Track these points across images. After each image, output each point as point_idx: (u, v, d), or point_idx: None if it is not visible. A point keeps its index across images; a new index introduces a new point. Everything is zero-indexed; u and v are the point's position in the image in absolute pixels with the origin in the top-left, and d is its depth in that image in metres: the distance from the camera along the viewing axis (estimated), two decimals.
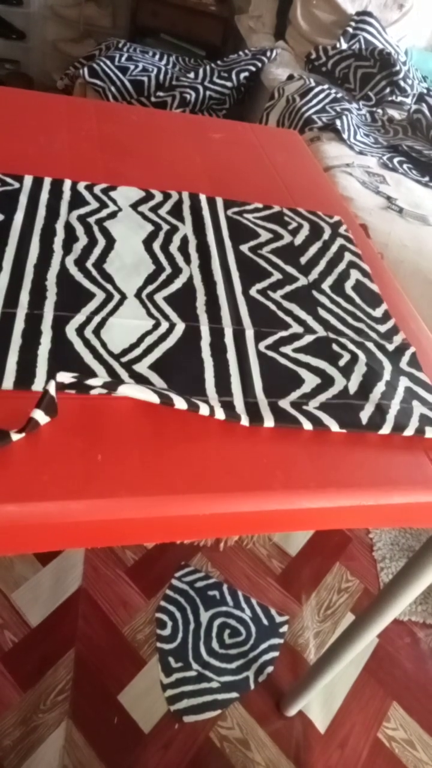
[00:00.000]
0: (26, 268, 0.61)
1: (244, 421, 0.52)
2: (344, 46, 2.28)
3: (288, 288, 0.70)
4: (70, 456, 0.45)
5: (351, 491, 0.51)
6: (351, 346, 0.64)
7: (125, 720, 1.07)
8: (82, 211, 0.72)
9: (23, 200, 0.70)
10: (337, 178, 1.64)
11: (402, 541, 1.50)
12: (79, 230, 0.69)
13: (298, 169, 0.98)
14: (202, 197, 0.81)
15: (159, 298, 0.63)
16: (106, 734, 1.05)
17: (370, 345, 0.65)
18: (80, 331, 0.56)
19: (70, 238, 0.67)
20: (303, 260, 0.76)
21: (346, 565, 1.42)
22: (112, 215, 0.73)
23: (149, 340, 0.58)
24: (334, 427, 0.54)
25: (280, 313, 0.66)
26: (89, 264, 0.64)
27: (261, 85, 2.33)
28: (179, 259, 0.69)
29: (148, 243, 0.70)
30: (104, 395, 0.50)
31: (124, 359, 0.55)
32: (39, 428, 0.46)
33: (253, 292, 0.68)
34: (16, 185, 0.72)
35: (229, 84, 2.27)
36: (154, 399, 0.50)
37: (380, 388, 0.59)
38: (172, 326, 0.60)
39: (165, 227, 0.74)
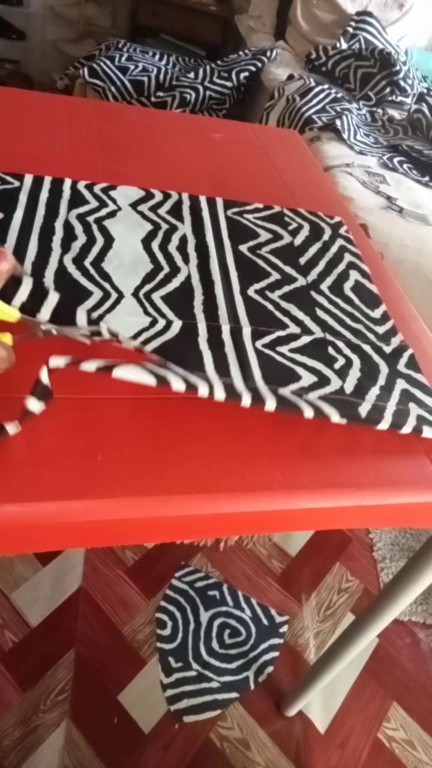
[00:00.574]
0: (24, 266, 0.61)
1: (246, 400, 0.51)
2: (344, 45, 2.28)
3: (286, 288, 0.70)
4: (70, 456, 0.45)
5: (351, 491, 0.51)
6: (347, 350, 0.63)
7: (125, 720, 1.07)
8: (82, 209, 0.71)
9: (23, 199, 0.70)
10: (337, 178, 1.64)
11: (402, 542, 1.50)
12: (78, 229, 0.68)
13: (299, 169, 0.98)
14: (202, 197, 0.81)
15: (156, 297, 0.63)
16: (106, 734, 1.05)
17: (366, 347, 0.65)
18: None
19: (69, 236, 0.67)
20: (302, 261, 0.75)
21: (346, 565, 1.42)
22: (112, 214, 0.73)
23: (146, 335, 0.57)
24: (335, 416, 0.54)
25: (278, 313, 0.66)
26: (87, 262, 0.64)
27: (261, 85, 2.33)
28: (177, 259, 0.69)
29: (146, 242, 0.70)
30: (104, 396, 0.50)
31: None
32: (39, 429, 0.46)
33: (251, 291, 0.68)
34: (17, 184, 0.72)
35: (229, 84, 2.27)
36: (151, 381, 0.49)
37: (375, 392, 0.59)
38: (168, 323, 0.60)
39: (164, 227, 0.73)
